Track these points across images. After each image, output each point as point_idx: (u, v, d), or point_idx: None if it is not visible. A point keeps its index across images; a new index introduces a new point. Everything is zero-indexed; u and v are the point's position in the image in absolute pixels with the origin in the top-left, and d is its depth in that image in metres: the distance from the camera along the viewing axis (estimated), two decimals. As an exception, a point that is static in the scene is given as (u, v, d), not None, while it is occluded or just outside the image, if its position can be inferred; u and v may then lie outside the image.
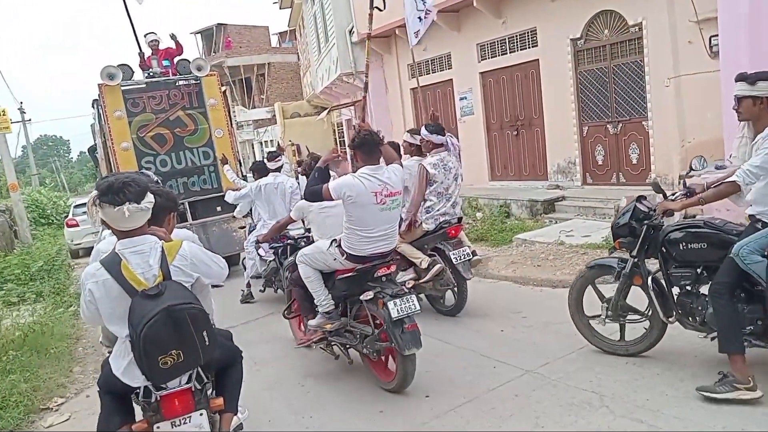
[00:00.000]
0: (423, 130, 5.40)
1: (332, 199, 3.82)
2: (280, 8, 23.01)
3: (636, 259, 3.67)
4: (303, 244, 5.05)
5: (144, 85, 8.47)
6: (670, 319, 3.62)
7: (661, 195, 3.55)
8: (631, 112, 9.23)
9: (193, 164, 8.59)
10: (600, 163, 9.80)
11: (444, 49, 12.59)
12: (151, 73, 8.84)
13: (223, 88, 9.11)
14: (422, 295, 5.42)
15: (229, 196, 6.97)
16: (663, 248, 3.56)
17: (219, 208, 8.77)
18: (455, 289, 5.31)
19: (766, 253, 3.00)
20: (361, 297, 3.88)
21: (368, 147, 3.89)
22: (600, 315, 3.89)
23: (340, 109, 18.00)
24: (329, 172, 4.19)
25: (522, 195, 10.07)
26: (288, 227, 5.15)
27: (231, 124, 9.19)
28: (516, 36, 10.88)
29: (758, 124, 3.15)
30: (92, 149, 10.77)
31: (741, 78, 3.15)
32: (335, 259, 3.97)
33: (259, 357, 5.03)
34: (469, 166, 12.39)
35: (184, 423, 2.58)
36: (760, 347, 3.25)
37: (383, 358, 4.02)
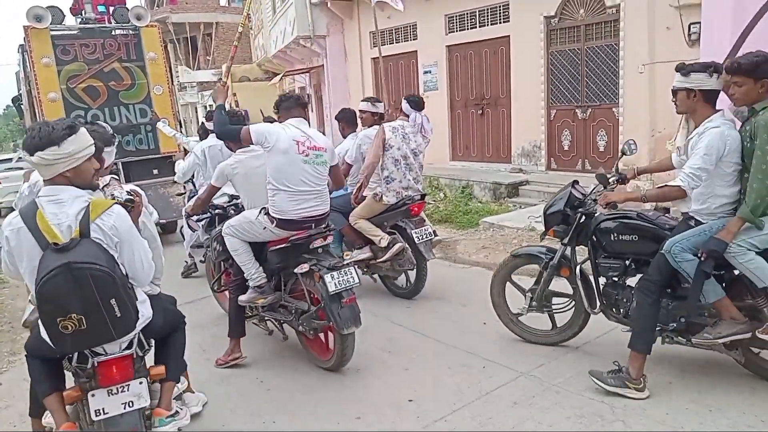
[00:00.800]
0: (404, 103, 5.21)
1: (250, 142, 3.60)
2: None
3: (567, 248, 3.61)
4: (233, 212, 4.59)
5: (76, 32, 7.74)
6: (594, 310, 3.56)
7: (602, 186, 3.46)
8: (601, 98, 8.96)
9: (129, 122, 7.96)
10: (566, 148, 9.55)
11: (410, 18, 11.98)
12: (85, 19, 8.11)
13: (164, 42, 8.50)
14: (376, 275, 5.26)
15: (179, 170, 6.05)
16: (593, 237, 3.50)
17: (156, 171, 8.23)
18: (413, 270, 5.04)
19: (698, 255, 2.90)
20: (296, 270, 3.62)
21: (288, 102, 3.80)
22: (523, 307, 3.84)
23: (294, 75, 17.11)
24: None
25: (485, 177, 9.71)
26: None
27: (172, 82, 8.62)
28: (487, 9, 10.38)
29: (695, 118, 3.06)
30: (16, 99, 9.95)
31: (677, 69, 3.03)
32: (265, 228, 3.69)
33: (207, 342, 4.46)
34: (431, 145, 11.98)
35: (122, 391, 2.45)
36: (681, 344, 3.22)
37: (321, 335, 3.82)
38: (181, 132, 8.20)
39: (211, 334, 4.67)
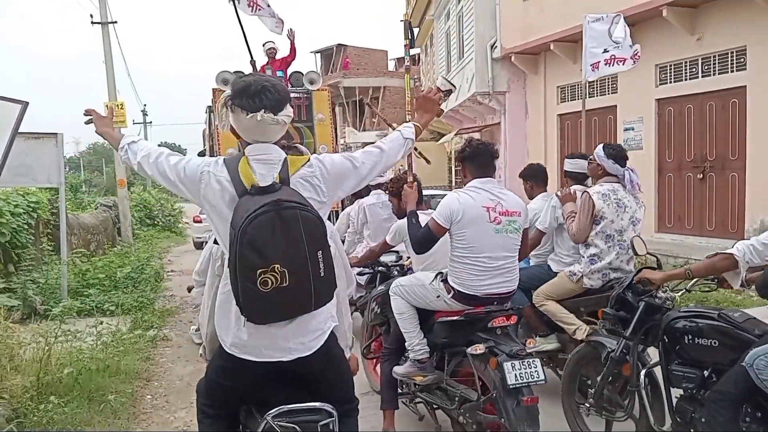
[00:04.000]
0: (598, 150, 3.97)
1: (446, 231, 3.15)
2: (409, 27, 21.93)
3: (628, 342, 3.07)
4: (396, 273, 4.34)
5: None
6: (663, 428, 2.98)
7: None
8: None
9: None
10: (829, 224, 7.38)
11: (609, 69, 10.60)
12: None
13: (332, 105, 8.77)
14: (561, 371, 4.05)
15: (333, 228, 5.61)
16: (665, 337, 2.96)
17: None
18: None
19: None
20: (468, 350, 3.09)
21: (482, 159, 3.27)
22: (584, 404, 3.31)
23: (466, 134, 16.32)
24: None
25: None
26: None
27: (336, 142, 8.85)
28: (714, 56, 8.72)
29: None
30: (201, 154, 10.83)
31: None
32: (438, 297, 3.25)
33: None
34: (629, 212, 10.26)
35: None
36: None
37: None
38: None
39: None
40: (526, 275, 3.98)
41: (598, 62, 8.16)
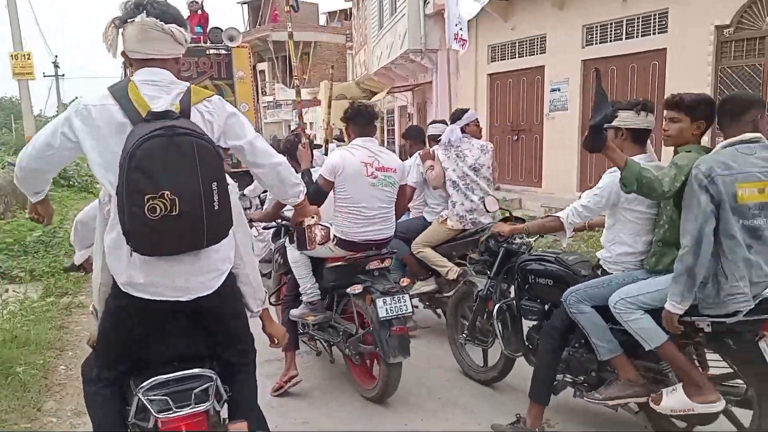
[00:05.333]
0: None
1: (332, 184, 3.52)
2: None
3: (493, 281, 3.54)
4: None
5: None
6: (514, 353, 3.44)
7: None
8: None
9: None
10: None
11: (538, 29, 10.69)
12: None
13: (252, 63, 8.88)
14: (440, 311, 4.82)
15: (252, 185, 5.73)
16: (518, 277, 3.39)
17: (236, 183, 8.42)
18: None
19: (620, 305, 2.63)
20: (348, 290, 3.53)
21: (363, 118, 3.65)
22: (463, 335, 3.81)
23: (401, 92, 16.17)
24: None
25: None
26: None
27: (257, 100, 8.96)
28: (638, 17, 8.93)
29: None
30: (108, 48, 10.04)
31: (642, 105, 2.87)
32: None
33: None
34: (554, 173, 10.55)
35: None
36: (590, 402, 2.91)
37: (367, 362, 3.73)
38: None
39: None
40: (405, 227, 4.62)
41: (456, 34, 8.46)
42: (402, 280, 3.79)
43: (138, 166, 1.73)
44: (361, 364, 3.68)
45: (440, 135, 4.69)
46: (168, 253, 1.87)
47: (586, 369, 2.93)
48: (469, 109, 4.72)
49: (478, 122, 4.75)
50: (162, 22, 1.92)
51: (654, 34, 8.75)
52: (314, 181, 3.60)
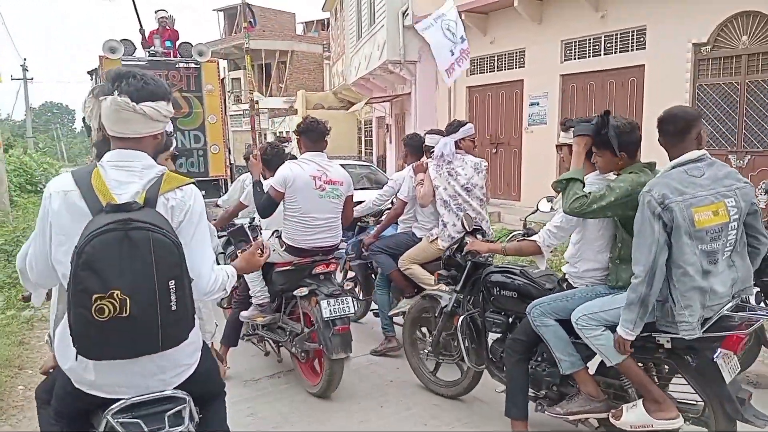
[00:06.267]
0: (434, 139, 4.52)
1: (283, 195, 3.72)
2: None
3: (460, 296, 3.52)
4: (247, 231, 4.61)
5: (145, 63, 8.38)
6: (477, 366, 3.44)
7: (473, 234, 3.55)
8: (765, 143, 7.36)
9: (183, 146, 8.56)
10: (712, 199, 7.90)
11: (518, 43, 10.72)
12: (153, 52, 8.88)
13: (222, 77, 9.26)
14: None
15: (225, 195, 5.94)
16: (483, 289, 3.39)
17: (203, 193, 8.14)
18: None
19: (581, 321, 2.64)
20: (295, 292, 3.77)
21: (314, 134, 3.80)
22: (425, 351, 3.81)
23: (379, 102, 16.06)
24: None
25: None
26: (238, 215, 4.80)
27: (225, 112, 9.47)
28: (616, 34, 9.00)
29: None
30: (86, 118, 9.80)
31: (561, 124, 3.09)
32: (274, 250, 3.79)
33: None
34: (532, 186, 10.53)
35: None
36: (551, 416, 2.90)
37: (312, 359, 3.96)
38: (229, 159, 8.90)
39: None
40: (393, 241, 4.56)
41: (452, 65, 8.48)
42: (346, 283, 3.99)
43: (87, 264, 1.59)
44: (307, 361, 3.91)
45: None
46: (117, 358, 1.71)
47: (548, 383, 2.94)
48: (467, 123, 4.49)
49: (474, 137, 4.51)
50: (134, 103, 1.77)
51: (632, 50, 8.82)
52: (266, 192, 3.76)
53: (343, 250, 5.28)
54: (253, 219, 4.75)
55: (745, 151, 7.57)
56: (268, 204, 3.73)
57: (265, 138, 29.41)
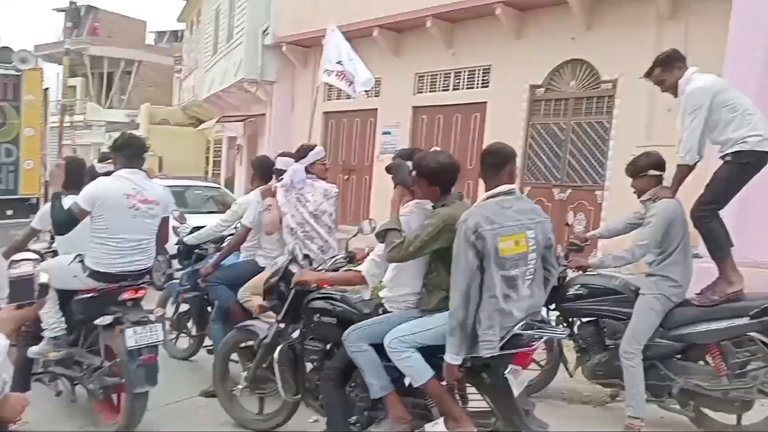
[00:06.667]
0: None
1: (87, 213, 3.41)
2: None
3: (282, 326, 3.43)
4: (49, 258, 4.21)
5: None
6: (292, 396, 3.37)
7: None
8: (584, 178, 8.26)
9: None
10: (541, 228, 8.66)
11: (374, 72, 11.02)
12: None
13: (46, 87, 8.67)
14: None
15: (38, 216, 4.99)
16: (303, 316, 3.34)
17: (10, 212, 7.90)
18: None
19: (393, 344, 2.74)
20: (97, 321, 3.44)
21: (132, 150, 3.63)
22: (239, 387, 3.59)
23: (231, 122, 15.57)
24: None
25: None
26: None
27: (45, 125, 8.82)
28: (465, 71, 9.67)
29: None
30: None
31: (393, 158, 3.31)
32: (75, 276, 3.50)
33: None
34: (381, 214, 10.76)
35: None
36: None
37: (112, 396, 3.62)
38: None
39: None
40: (233, 271, 4.27)
41: (333, 71, 8.59)
42: (156, 310, 3.69)
43: None
44: (105, 398, 3.61)
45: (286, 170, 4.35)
46: None
47: (359, 408, 3.01)
48: (316, 146, 4.37)
49: (325, 160, 4.36)
50: None
51: (477, 87, 9.52)
52: (69, 207, 3.44)
53: (177, 281, 5.01)
54: (52, 241, 4.20)
55: (567, 185, 8.43)
56: (68, 220, 3.41)
57: (99, 152, 27.14)
